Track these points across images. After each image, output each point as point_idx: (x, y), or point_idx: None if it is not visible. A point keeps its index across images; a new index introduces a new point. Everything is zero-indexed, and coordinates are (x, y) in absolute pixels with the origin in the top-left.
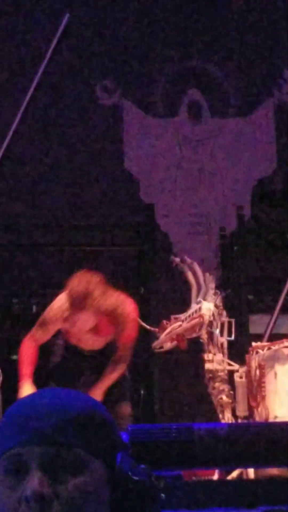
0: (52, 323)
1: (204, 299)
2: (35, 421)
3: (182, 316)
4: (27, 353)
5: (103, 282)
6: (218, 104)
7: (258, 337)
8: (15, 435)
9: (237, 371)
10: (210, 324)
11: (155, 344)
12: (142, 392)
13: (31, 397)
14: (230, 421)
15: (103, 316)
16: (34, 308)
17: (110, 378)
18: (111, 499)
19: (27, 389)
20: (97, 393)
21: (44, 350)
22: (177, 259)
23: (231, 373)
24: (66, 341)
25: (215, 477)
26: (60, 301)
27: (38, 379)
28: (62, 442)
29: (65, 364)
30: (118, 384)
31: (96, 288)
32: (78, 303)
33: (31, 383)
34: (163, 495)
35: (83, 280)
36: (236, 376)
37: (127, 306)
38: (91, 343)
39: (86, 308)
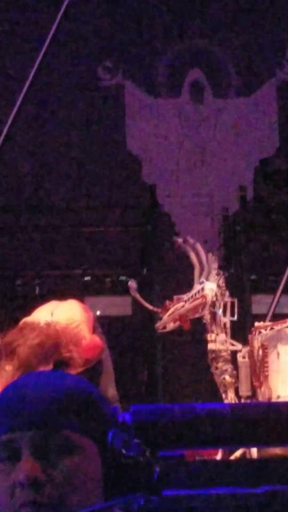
0: None
1: (207, 280)
2: (22, 406)
3: (185, 296)
4: None
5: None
6: (220, 84)
7: (261, 317)
8: (4, 421)
9: (240, 351)
10: (213, 304)
11: (158, 324)
12: (145, 372)
13: (18, 382)
14: (233, 401)
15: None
16: (37, 290)
17: None
18: (104, 475)
19: None
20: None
21: None
22: (180, 240)
23: (234, 353)
24: None
25: (218, 457)
26: None
27: None
28: (51, 426)
29: None
30: (98, 369)
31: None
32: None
33: None
34: (158, 468)
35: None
36: (239, 356)
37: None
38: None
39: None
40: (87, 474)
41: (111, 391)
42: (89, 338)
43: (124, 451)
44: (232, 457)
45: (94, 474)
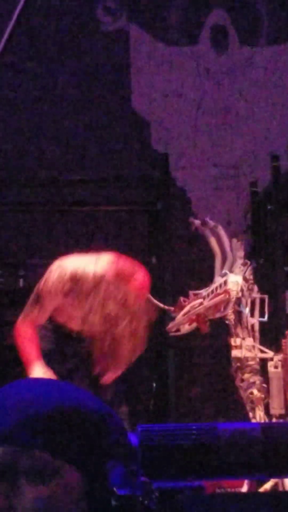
0: (50, 299)
1: (231, 271)
2: None
3: (204, 292)
4: (26, 336)
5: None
6: (248, 28)
7: None
8: None
9: (272, 359)
10: (238, 301)
11: (171, 326)
12: (154, 384)
13: (5, 388)
14: (262, 421)
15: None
16: (21, 282)
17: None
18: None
19: (38, 371)
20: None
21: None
22: (197, 222)
23: (264, 362)
24: (52, 320)
25: (244, 489)
26: (61, 270)
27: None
28: (22, 442)
29: (54, 350)
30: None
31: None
32: (94, 287)
33: (42, 364)
34: None
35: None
36: (270, 366)
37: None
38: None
39: (97, 294)
40: (61, 509)
41: (124, 408)
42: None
43: (116, 489)
44: (261, 489)
45: (71, 510)
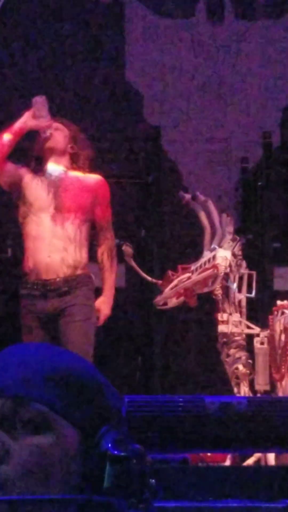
0: None
1: (220, 246)
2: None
3: (192, 266)
4: None
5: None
6: (244, 2)
7: (284, 295)
8: None
9: (258, 335)
10: (226, 276)
11: (158, 299)
12: (139, 358)
13: (10, 349)
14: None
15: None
16: (10, 252)
17: (112, 271)
18: (83, 472)
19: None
20: (109, 295)
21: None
22: (188, 196)
23: (250, 337)
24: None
25: (227, 463)
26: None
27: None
28: (23, 395)
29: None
30: None
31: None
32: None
33: None
34: (153, 480)
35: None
36: (256, 342)
37: (104, 185)
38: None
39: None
40: (58, 461)
41: None
42: None
43: (111, 450)
44: (245, 464)
45: (69, 464)
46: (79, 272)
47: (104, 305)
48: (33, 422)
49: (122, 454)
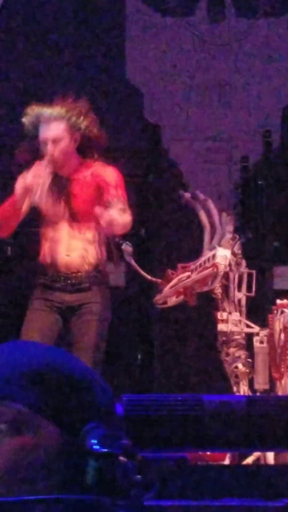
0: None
1: (220, 245)
2: None
3: (192, 265)
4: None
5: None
6: (245, 1)
7: (285, 294)
8: None
9: (257, 334)
10: (226, 275)
11: (158, 298)
12: (139, 356)
13: None
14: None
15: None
16: (9, 251)
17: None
18: (67, 471)
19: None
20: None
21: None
22: (188, 195)
23: (249, 336)
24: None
25: (226, 462)
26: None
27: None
28: (3, 396)
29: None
30: None
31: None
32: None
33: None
34: (139, 476)
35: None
36: (256, 341)
37: (111, 173)
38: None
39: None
40: (37, 462)
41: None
42: None
43: (94, 448)
44: (244, 463)
45: (49, 465)
46: (100, 268)
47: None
48: (12, 422)
49: (105, 450)
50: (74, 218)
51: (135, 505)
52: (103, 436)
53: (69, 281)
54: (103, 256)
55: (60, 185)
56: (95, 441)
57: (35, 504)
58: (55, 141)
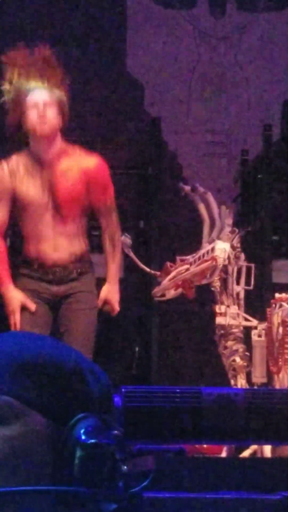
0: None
1: (219, 238)
2: None
3: (190, 257)
4: None
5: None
6: None
7: (283, 287)
8: None
9: (255, 328)
10: (225, 269)
11: (156, 291)
12: (137, 349)
13: None
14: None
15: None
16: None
17: (115, 257)
18: (56, 462)
19: (14, 293)
20: (114, 280)
21: None
22: (187, 187)
23: (247, 330)
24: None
25: (223, 454)
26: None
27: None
28: None
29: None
30: None
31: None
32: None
33: (13, 287)
34: (125, 467)
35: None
36: (254, 334)
37: (98, 169)
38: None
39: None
40: (25, 451)
41: None
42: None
43: (81, 438)
44: (241, 456)
45: (38, 454)
46: (85, 259)
47: (110, 294)
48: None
49: (92, 441)
50: (58, 210)
51: (121, 497)
52: (91, 427)
53: (56, 274)
54: (87, 245)
55: (43, 172)
56: (82, 432)
57: (22, 495)
58: (47, 105)
